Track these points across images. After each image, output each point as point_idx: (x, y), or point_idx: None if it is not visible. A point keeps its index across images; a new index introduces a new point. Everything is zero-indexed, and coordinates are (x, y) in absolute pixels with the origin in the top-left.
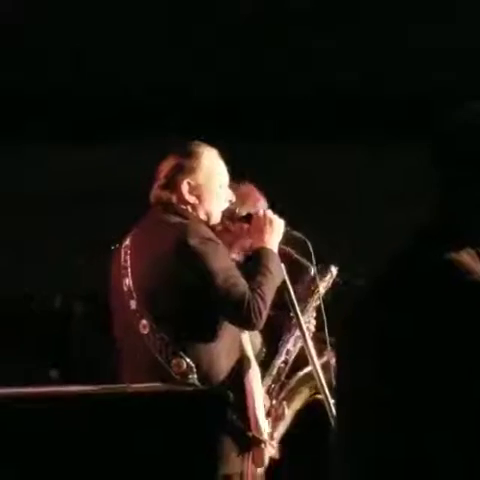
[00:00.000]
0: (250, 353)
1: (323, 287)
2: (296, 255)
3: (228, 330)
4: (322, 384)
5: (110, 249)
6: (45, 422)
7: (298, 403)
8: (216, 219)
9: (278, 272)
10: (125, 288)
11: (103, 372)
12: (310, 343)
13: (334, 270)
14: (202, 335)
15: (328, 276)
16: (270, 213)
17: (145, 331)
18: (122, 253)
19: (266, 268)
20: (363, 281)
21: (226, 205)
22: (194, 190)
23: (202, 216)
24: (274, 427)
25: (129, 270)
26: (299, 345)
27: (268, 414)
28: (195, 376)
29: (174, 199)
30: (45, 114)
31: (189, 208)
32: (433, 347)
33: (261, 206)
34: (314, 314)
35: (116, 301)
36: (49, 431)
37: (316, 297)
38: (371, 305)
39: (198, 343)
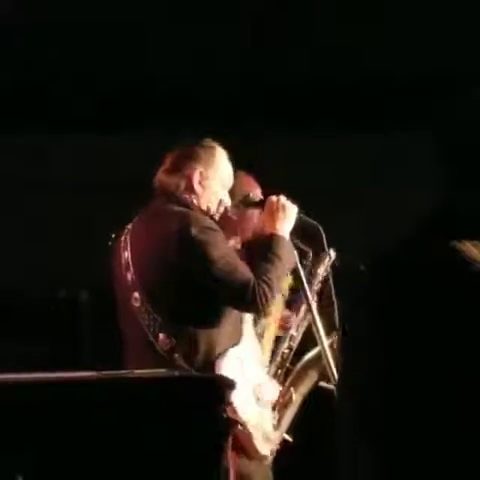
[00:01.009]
0: (250, 338)
1: (323, 270)
2: (295, 240)
3: (229, 317)
4: (330, 365)
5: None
6: (50, 407)
7: (305, 388)
8: (214, 215)
9: (288, 259)
10: (128, 279)
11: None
12: (320, 328)
13: (333, 253)
14: (200, 320)
15: (327, 259)
16: (283, 198)
17: (142, 314)
18: (122, 243)
19: (275, 255)
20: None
21: (221, 209)
22: (203, 181)
23: (203, 207)
24: (282, 413)
25: (130, 261)
26: (302, 330)
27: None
28: (180, 354)
29: (182, 185)
30: None
31: (193, 197)
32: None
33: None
34: (315, 298)
35: (119, 292)
36: (54, 415)
37: (317, 281)
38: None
39: (196, 328)
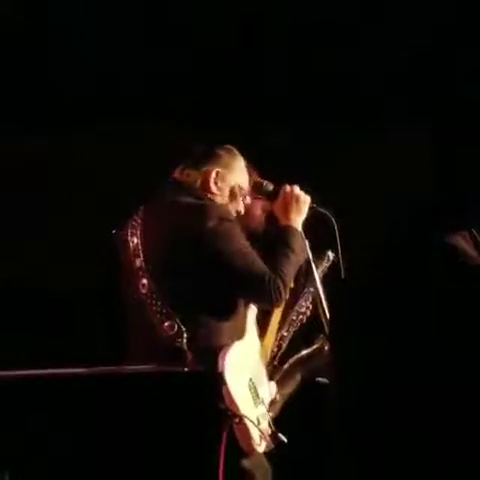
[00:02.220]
0: (252, 335)
1: (321, 272)
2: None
3: (237, 310)
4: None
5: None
6: (50, 402)
7: (289, 388)
8: None
9: (301, 251)
10: (136, 265)
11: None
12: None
13: (331, 255)
14: (208, 311)
15: (325, 261)
16: (297, 189)
17: (149, 301)
18: (130, 229)
19: (289, 248)
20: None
21: (233, 214)
22: (219, 182)
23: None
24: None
25: (140, 247)
26: (293, 330)
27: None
28: (184, 341)
29: (198, 182)
30: None
31: (208, 195)
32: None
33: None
34: (310, 298)
35: (125, 278)
36: (54, 410)
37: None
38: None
39: (203, 317)
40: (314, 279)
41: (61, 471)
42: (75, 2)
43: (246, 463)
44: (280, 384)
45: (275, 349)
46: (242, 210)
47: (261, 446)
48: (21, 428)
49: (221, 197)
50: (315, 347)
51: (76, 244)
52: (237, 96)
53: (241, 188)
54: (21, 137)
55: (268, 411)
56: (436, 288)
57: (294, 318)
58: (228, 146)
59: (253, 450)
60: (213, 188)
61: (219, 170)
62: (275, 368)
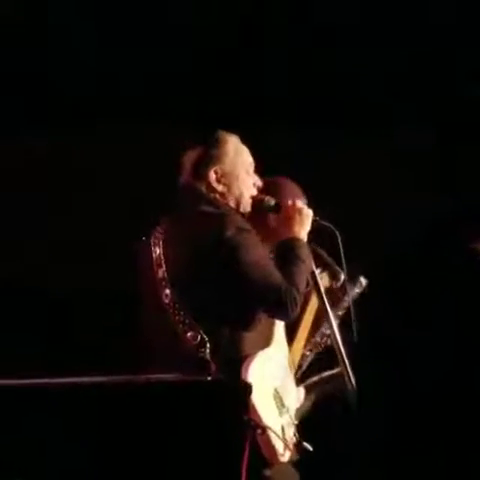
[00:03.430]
0: (280, 342)
1: (351, 298)
2: (327, 258)
3: (260, 319)
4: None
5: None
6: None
7: (302, 408)
8: (246, 206)
9: (309, 262)
10: (159, 275)
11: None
12: (338, 338)
13: (364, 281)
14: (231, 321)
15: (357, 286)
16: (299, 203)
17: (172, 311)
18: (153, 240)
19: (300, 259)
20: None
21: (254, 191)
22: (222, 178)
23: (232, 204)
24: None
25: (162, 257)
26: (315, 351)
27: None
28: (207, 351)
29: (203, 188)
30: None
31: (218, 196)
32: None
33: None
34: (338, 322)
35: (146, 289)
36: (74, 418)
37: (342, 306)
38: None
39: (226, 328)
40: (320, 292)
41: None
42: (75, 2)
43: (269, 473)
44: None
45: (296, 366)
46: (260, 182)
47: (285, 456)
48: (35, 436)
49: (232, 189)
50: (334, 372)
51: (76, 244)
52: (237, 96)
53: (244, 165)
54: (21, 137)
55: (294, 420)
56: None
57: (319, 340)
58: (215, 136)
59: (277, 460)
60: (219, 188)
61: (216, 168)
62: (297, 380)
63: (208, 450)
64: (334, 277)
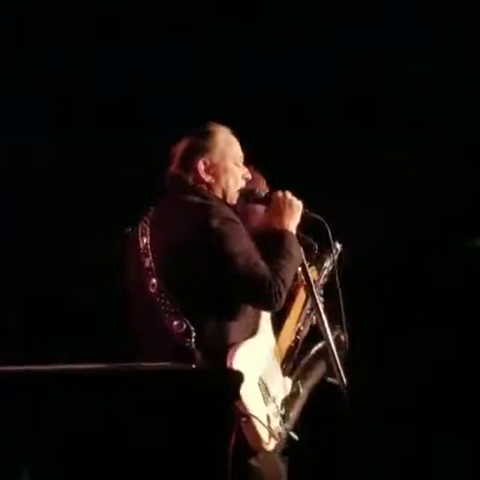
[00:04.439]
0: (267, 332)
1: (329, 264)
2: (301, 234)
3: (246, 309)
4: (335, 359)
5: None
6: (60, 398)
7: (311, 382)
8: (232, 197)
9: (298, 255)
10: (145, 265)
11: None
12: (325, 322)
13: (339, 246)
14: (217, 311)
15: (334, 252)
16: (289, 194)
17: (158, 300)
18: (141, 229)
19: (287, 252)
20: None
21: (243, 183)
22: (210, 169)
23: (219, 195)
24: (289, 408)
25: (149, 247)
26: (309, 324)
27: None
28: (193, 340)
29: (190, 179)
30: None
31: (205, 187)
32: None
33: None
34: (322, 292)
35: (133, 278)
36: (64, 407)
37: (323, 275)
38: None
39: (212, 317)
40: (309, 282)
41: (69, 467)
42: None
43: (254, 461)
44: (302, 378)
45: (293, 344)
46: (249, 175)
47: (270, 445)
48: (37, 423)
49: (220, 181)
50: (320, 346)
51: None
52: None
53: (233, 157)
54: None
55: (280, 409)
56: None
57: (308, 312)
58: (204, 127)
59: (261, 449)
60: (207, 178)
61: (204, 160)
62: (295, 363)
63: (192, 439)
64: (309, 249)
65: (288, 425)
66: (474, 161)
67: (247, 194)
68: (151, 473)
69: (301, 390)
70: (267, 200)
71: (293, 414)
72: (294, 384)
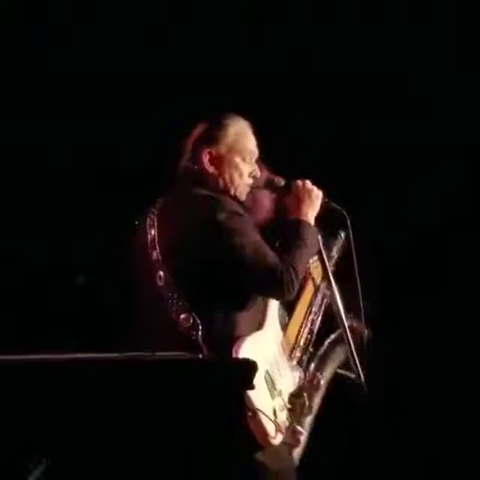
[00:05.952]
0: (274, 324)
1: (336, 252)
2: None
3: (253, 301)
4: (351, 348)
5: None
6: (68, 388)
7: (330, 371)
8: (241, 193)
9: (314, 245)
10: (153, 257)
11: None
12: (342, 310)
13: (343, 235)
14: (224, 303)
15: (338, 241)
16: (309, 184)
17: (165, 293)
18: (148, 221)
19: (303, 241)
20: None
21: (249, 181)
22: (214, 160)
23: (222, 187)
24: (310, 398)
25: (156, 239)
26: (321, 313)
27: (302, 387)
28: (199, 333)
29: (196, 169)
30: None
31: (210, 177)
32: None
33: None
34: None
35: (141, 270)
36: (72, 396)
37: (330, 263)
38: None
39: (219, 310)
40: (327, 271)
41: (80, 457)
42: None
43: (260, 455)
44: (320, 368)
45: (308, 336)
46: (257, 173)
47: (276, 439)
48: (43, 413)
49: (223, 174)
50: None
51: None
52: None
53: (241, 152)
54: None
55: (287, 403)
56: None
57: (320, 303)
58: (222, 117)
59: (268, 443)
60: (210, 169)
61: (210, 150)
62: (311, 354)
63: (197, 432)
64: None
65: (311, 416)
66: None
67: (267, 182)
68: (158, 463)
69: (321, 381)
70: (287, 189)
71: (314, 406)
72: (314, 376)
